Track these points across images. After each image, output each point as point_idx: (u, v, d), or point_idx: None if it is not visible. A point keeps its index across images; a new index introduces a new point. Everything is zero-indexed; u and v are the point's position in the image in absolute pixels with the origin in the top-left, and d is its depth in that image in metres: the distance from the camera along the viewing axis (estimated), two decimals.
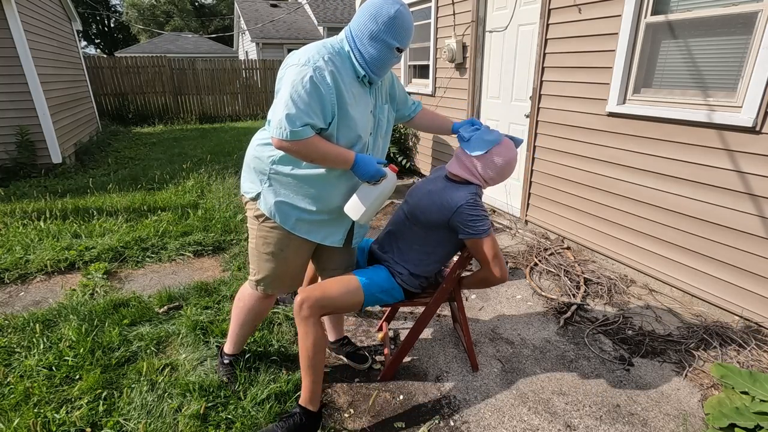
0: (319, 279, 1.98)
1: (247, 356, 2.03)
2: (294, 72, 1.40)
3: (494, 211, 4.40)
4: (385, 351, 2.19)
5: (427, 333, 2.41)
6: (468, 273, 2.13)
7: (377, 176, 1.53)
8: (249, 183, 1.66)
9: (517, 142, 1.80)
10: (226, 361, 1.96)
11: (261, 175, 1.61)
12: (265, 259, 1.69)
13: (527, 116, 3.72)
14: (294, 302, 1.67)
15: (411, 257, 1.80)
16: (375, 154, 1.71)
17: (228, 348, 1.97)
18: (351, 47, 1.51)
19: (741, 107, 2.27)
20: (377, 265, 1.88)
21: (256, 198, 1.62)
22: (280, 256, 1.68)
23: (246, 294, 1.82)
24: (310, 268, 2.15)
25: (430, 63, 5.10)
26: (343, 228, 1.73)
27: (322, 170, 1.56)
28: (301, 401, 1.66)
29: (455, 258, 1.94)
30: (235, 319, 1.88)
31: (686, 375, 2.07)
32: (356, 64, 1.51)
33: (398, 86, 1.85)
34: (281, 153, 1.52)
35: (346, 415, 1.85)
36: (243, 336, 1.93)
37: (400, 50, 1.55)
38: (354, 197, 1.58)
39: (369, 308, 2.59)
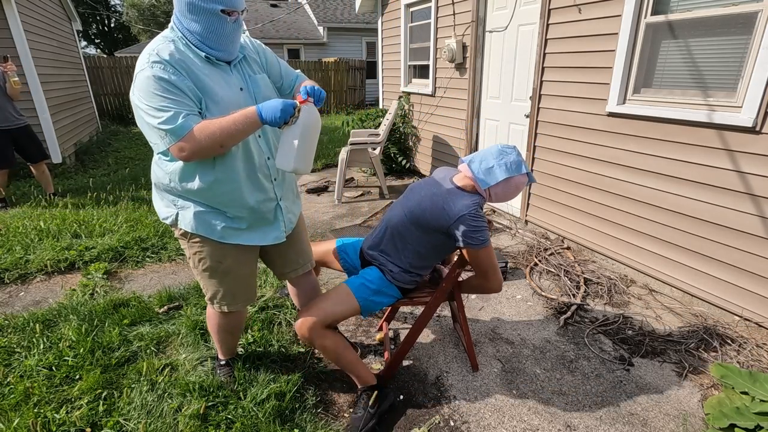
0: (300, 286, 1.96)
1: (245, 356, 2.03)
2: (138, 81, 1.29)
3: (494, 211, 4.40)
4: (385, 351, 2.19)
5: (427, 333, 2.41)
6: (467, 272, 2.14)
7: (289, 111, 1.33)
8: (163, 208, 1.55)
9: (530, 179, 1.75)
10: (222, 362, 1.97)
11: (169, 195, 1.50)
12: (207, 276, 1.61)
13: (527, 116, 3.72)
14: (296, 331, 1.69)
15: (406, 255, 1.80)
16: (267, 137, 1.59)
17: (220, 355, 1.98)
18: (180, 31, 1.38)
19: (741, 107, 2.27)
20: (369, 268, 1.88)
21: (175, 221, 1.51)
22: (220, 269, 1.59)
23: (211, 313, 1.78)
24: (299, 300, 2.04)
25: (430, 63, 5.09)
26: (277, 221, 1.63)
27: (221, 173, 1.43)
28: (360, 384, 1.84)
29: (455, 258, 1.94)
30: (213, 335, 1.89)
31: (686, 375, 2.07)
32: (191, 46, 1.38)
33: (272, 59, 1.66)
34: (177, 168, 1.41)
35: (347, 415, 1.85)
36: (228, 346, 1.93)
37: (227, 12, 1.35)
38: (280, 147, 1.42)
39: None
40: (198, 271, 1.62)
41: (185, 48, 1.38)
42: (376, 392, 1.78)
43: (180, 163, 1.41)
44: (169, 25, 1.42)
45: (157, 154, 1.44)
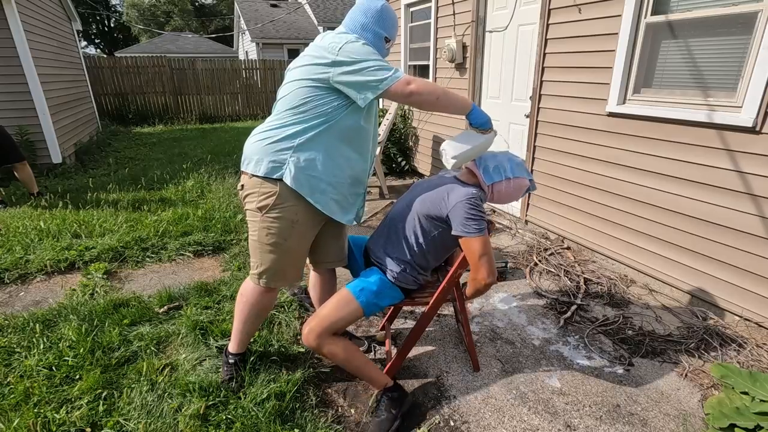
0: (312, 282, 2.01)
1: (252, 358, 2.03)
2: (350, 47, 1.59)
3: (494, 211, 4.40)
4: (386, 351, 2.19)
5: (427, 333, 2.41)
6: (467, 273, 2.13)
7: (488, 125, 1.74)
8: (270, 163, 1.64)
9: (532, 186, 1.86)
10: (231, 361, 1.95)
11: (285, 152, 1.64)
12: (268, 251, 1.72)
13: (527, 116, 3.72)
14: (303, 341, 1.73)
15: (409, 249, 1.80)
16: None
17: (232, 347, 1.96)
18: (362, 38, 1.71)
19: (741, 107, 2.27)
20: (369, 269, 1.88)
21: (280, 177, 1.63)
22: (283, 246, 1.71)
23: (248, 289, 1.83)
24: (315, 275, 2.14)
25: (430, 63, 5.10)
26: (355, 206, 1.85)
27: (357, 144, 1.74)
28: (376, 388, 1.86)
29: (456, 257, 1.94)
30: (238, 316, 1.88)
31: (686, 375, 2.07)
32: None
33: None
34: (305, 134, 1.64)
35: (347, 415, 1.85)
36: (247, 333, 1.93)
37: (387, 40, 1.78)
38: (454, 139, 1.75)
39: None
40: (260, 245, 1.72)
41: None
42: (393, 393, 1.81)
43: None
44: (340, 30, 1.76)
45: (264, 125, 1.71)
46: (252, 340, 2.18)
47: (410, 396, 1.89)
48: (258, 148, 1.67)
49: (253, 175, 1.66)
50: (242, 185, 1.72)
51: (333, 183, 1.70)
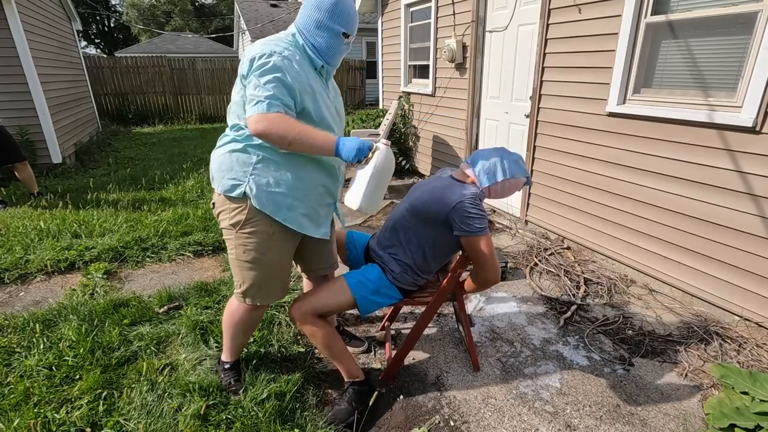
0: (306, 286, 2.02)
1: (245, 357, 2.03)
2: (261, 62, 1.41)
3: (494, 211, 4.40)
4: (386, 351, 2.19)
5: (427, 333, 2.41)
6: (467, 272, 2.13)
7: (364, 152, 1.44)
8: (229, 180, 1.56)
9: (528, 181, 1.82)
10: (227, 366, 1.94)
11: (245, 167, 1.54)
12: (248, 268, 1.64)
13: (527, 116, 3.72)
14: (289, 314, 1.73)
15: (411, 250, 1.80)
16: None
17: (225, 357, 1.94)
18: (306, 41, 1.56)
19: (741, 107, 2.27)
20: (369, 264, 1.88)
21: (242, 194, 1.54)
22: (263, 261, 1.62)
23: (233, 307, 1.76)
24: (308, 283, 2.13)
25: (430, 63, 5.10)
26: (328, 219, 1.75)
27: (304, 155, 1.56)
28: (347, 379, 1.85)
29: (456, 258, 1.94)
30: (226, 331, 1.85)
31: (686, 375, 2.07)
32: (312, 54, 1.56)
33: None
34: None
35: None
36: (237, 346, 1.90)
37: (346, 35, 1.58)
38: (348, 188, 1.53)
39: None
40: (239, 262, 1.64)
41: (305, 53, 1.57)
42: (360, 387, 1.83)
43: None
44: (290, 30, 1.60)
45: (225, 136, 1.60)
46: (252, 340, 2.19)
47: (376, 391, 1.86)
48: (217, 164, 1.59)
49: (220, 193, 1.60)
50: (213, 203, 1.66)
51: (300, 197, 1.59)
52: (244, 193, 1.54)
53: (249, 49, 1.47)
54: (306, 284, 2.12)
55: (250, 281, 1.66)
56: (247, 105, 1.43)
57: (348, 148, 1.44)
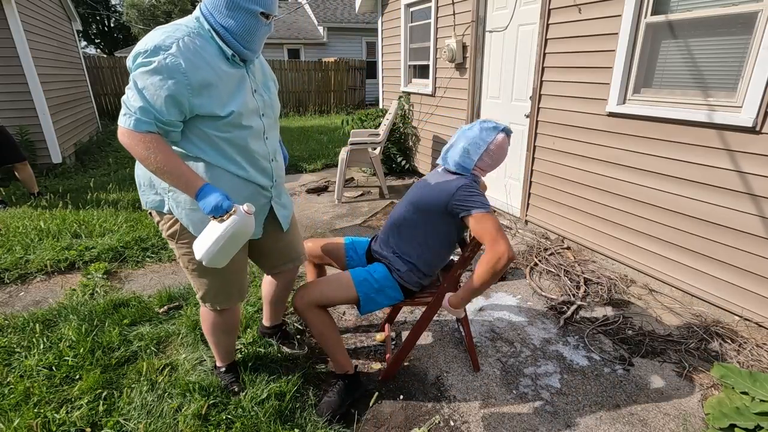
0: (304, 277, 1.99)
1: (244, 357, 2.02)
2: (142, 62, 1.27)
3: (494, 211, 4.40)
4: (387, 351, 2.19)
5: (427, 333, 2.41)
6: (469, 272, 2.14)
7: (220, 211, 1.32)
8: (154, 196, 1.52)
9: (508, 132, 1.80)
10: (222, 371, 1.93)
11: (162, 183, 1.47)
12: (197, 276, 1.61)
13: (527, 116, 3.72)
14: (293, 303, 1.72)
15: (413, 246, 1.81)
16: (272, 140, 1.62)
17: (218, 362, 1.94)
18: (210, 24, 1.37)
19: (741, 107, 2.27)
20: (376, 263, 1.89)
21: (169, 209, 1.50)
22: (209, 269, 1.56)
23: (204, 314, 1.77)
24: (311, 271, 2.15)
25: (430, 63, 5.09)
26: (262, 217, 1.65)
27: (212, 163, 1.44)
28: (338, 371, 1.88)
29: (456, 258, 1.94)
30: (208, 339, 1.85)
31: (686, 375, 2.07)
32: (219, 42, 1.38)
33: (273, 79, 1.69)
34: (177, 151, 1.41)
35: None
36: (225, 350, 1.89)
37: (265, 15, 1.39)
38: (202, 232, 1.40)
39: None
40: (188, 271, 1.63)
41: (212, 41, 1.38)
42: (350, 380, 1.86)
43: (179, 147, 1.43)
44: (195, 14, 1.39)
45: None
46: (252, 340, 2.19)
47: (364, 387, 1.93)
48: (139, 180, 1.55)
49: (149, 210, 1.56)
50: (150, 212, 1.60)
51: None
52: (168, 210, 1.50)
53: (142, 39, 1.30)
54: (309, 271, 2.14)
55: (204, 287, 1.65)
56: (121, 111, 1.32)
57: (206, 202, 1.32)
